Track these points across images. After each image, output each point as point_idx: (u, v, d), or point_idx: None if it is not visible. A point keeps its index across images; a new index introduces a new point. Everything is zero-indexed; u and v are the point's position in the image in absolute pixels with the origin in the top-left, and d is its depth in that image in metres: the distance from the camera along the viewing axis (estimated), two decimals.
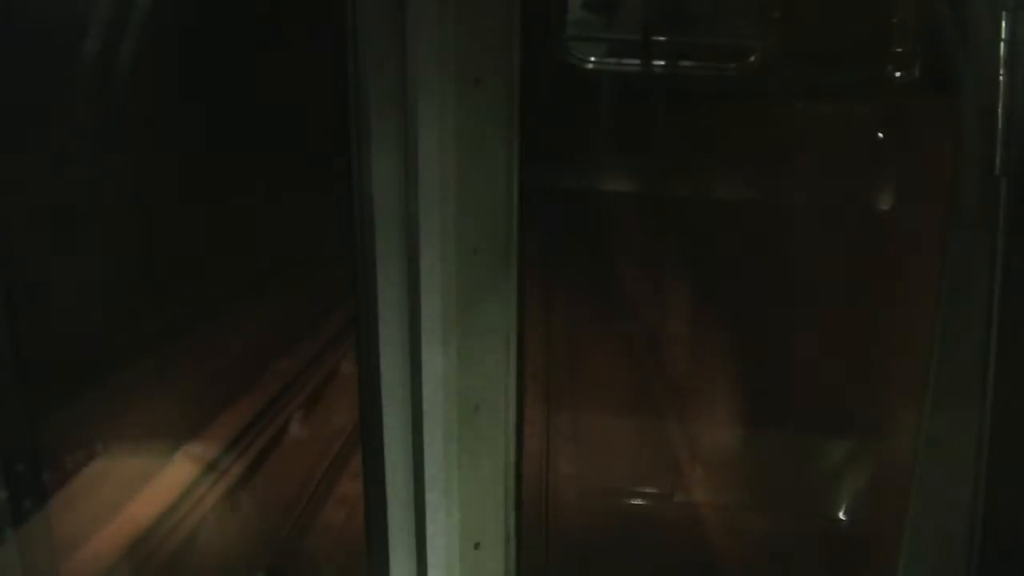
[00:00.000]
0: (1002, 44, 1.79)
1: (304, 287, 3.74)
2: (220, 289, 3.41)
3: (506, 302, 1.69)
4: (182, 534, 2.81)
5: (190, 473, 2.96)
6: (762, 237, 4.02)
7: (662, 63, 5.75)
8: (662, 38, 5.76)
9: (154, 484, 2.87)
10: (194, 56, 3.26)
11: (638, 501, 3.47)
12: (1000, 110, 1.79)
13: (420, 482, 1.70)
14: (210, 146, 3.35)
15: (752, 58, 5.20)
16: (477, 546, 1.75)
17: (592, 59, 6.13)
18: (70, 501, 2.59)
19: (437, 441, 1.68)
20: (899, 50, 3.32)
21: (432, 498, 1.71)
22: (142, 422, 2.86)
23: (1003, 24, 1.79)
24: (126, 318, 2.84)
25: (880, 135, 3.49)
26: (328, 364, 3.75)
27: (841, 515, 3.20)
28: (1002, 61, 1.79)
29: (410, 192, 1.60)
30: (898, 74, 3.39)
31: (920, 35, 3.15)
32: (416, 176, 1.59)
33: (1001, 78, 1.79)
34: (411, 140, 1.58)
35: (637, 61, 6.01)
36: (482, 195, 1.63)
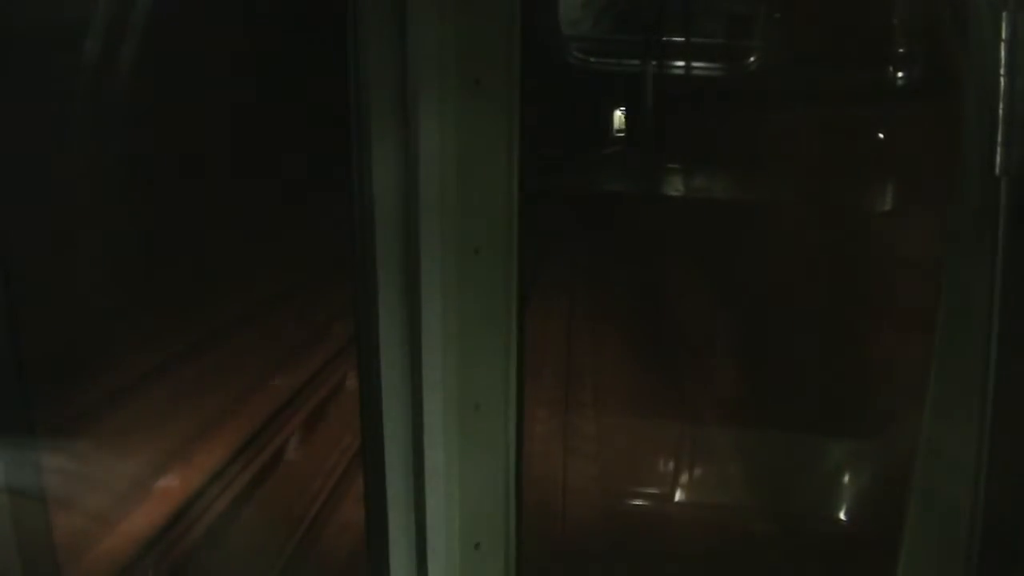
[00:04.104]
0: (1002, 44, 1.79)
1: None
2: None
3: (506, 302, 1.69)
4: None
5: None
6: (760, 237, 4.02)
7: (662, 63, 5.76)
8: (662, 39, 5.77)
9: None
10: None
11: (638, 502, 3.47)
12: (1000, 110, 1.79)
13: (420, 482, 1.70)
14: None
15: (752, 59, 5.20)
16: (477, 546, 1.75)
17: (592, 59, 6.14)
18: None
19: (437, 441, 1.68)
20: (900, 51, 3.33)
21: (432, 498, 1.70)
22: None
23: (1003, 24, 1.79)
24: None
25: (880, 135, 3.49)
26: None
27: (842, 516, 3.20)
28: (1002, 61, 1.79)
29: (410, 192, 1.60)
30: (899, 74, 3.39)
31: (920, 35, 3.15)
32: (416, 176, 1.59)
33: (1001, 78, 1.79)
34: (411, 140, 1.58)
35: (637, 61, 6.03)
36: (482, 195, 1.63)
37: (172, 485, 3.02)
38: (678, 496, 3.38)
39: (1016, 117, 1.79)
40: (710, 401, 3.74)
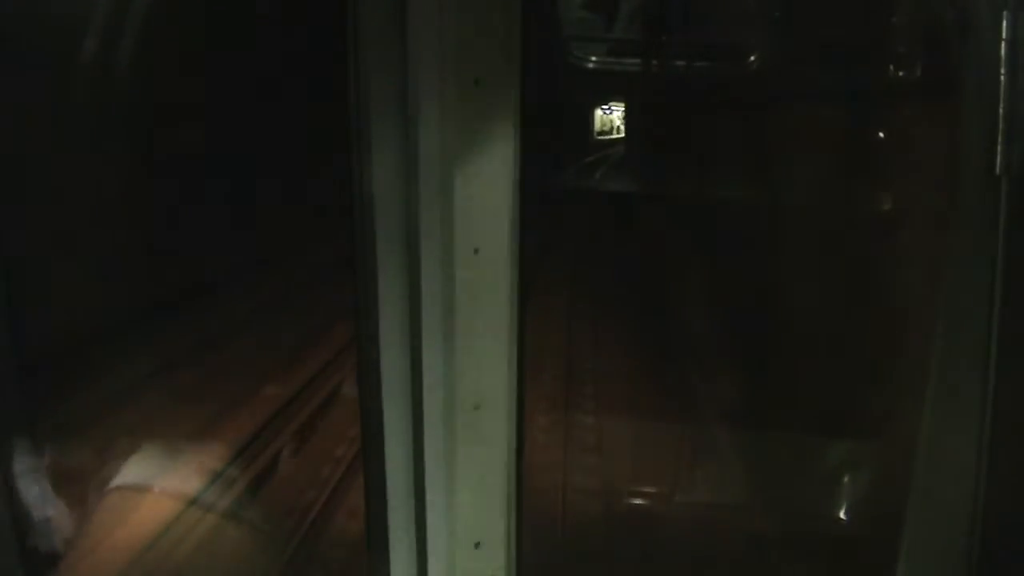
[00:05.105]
0: (1002, 44, 1.79)
1: None
2: None
3: (506, 302, 1.69)
4: None
5: None
6: (761, 237, 4.01)
7: (662, 63, 5.76)
8: (662, 39, 5.77)
9: None
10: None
11: (637, 501, 3.47)
12: (1000, 110, 1.79)
13: (420, 482, 1.70)
14: None
15: (752, 59, 5.20)
16: (477, 546, 1.75)
17: (592, 59, 6.14)
18: None
19: (437, 441, 1.68)
20: (900, 50, 3.32)
21: (432, 498, 1.71)
22: None
23: (1003, 24, 1.79)
24: None
25: (880, 135, 3.49)
26: None
27: (841, 515, 3.20)
28: (1002, 61, 1.79)
29: (410, 192, 1.60)
30: (899, 74, 3.39)
31: (920, 35, 3.15)
32: (416, 176, 1.59)
33: (1001, 78, 1.79)
34: (411, 140, 1.58)
35: (637, 61, 6.02)
36: (482, 195, 1.63)
37: None
38: (676, 497, 3.39)
39: (1016, 117, 1.79)
40: (704, 403, 3.74)
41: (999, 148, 1.80)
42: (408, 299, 1.64)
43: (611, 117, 6.72)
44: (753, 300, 3.83)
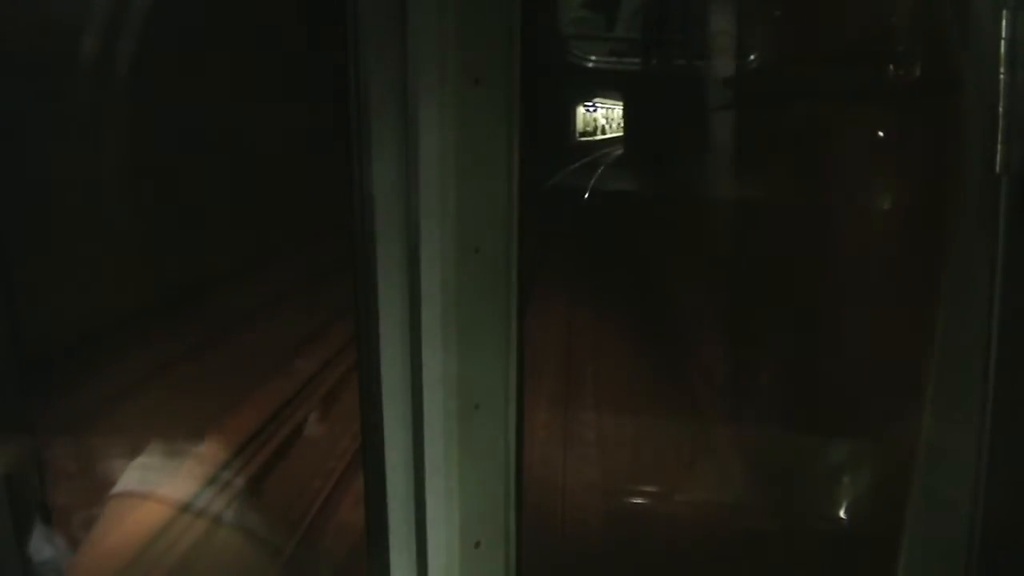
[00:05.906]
0: (1002, 44, 1.79)
1: None
2: None
3: (506, 302, 1.69)
4: None
5: None
6: (761, 236, 4.01)
7: (661, 63, 5.77)
8: (662, 38, 5.77)
9: None
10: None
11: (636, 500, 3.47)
12: (1000, 110, 1.79)
13: (420, 482, 1.70)
14: None
15: (752, 58, 5.20)
16: (477, 545, 1.75)
17: (592, 59, 6.15)
18: None
19: (437, 441, 1.68)
20: (900, 50, 3.32)
21: (432, 497, 1.71)
22: None
23: (1003, 24, 1.79)
24: None
25: (880, 134, 3.49)
26: None
27: (841, 515, 3.20)
28: (1002, 61, 1.79)
29: (410, 192, 1.60)
30: (899, 74, 3.39)
31: (920, 35, 3.15)
32: (416, 176, 1.59)
33: (1001, 78, 1.79)
34: (411, 140, 1.58)
35: (637, 60, 6.03)
36: (482, 195, 1.63)
37: None
38: (676, 496, 3.39)
39: (1016, 117, 1.79)
40: (701, 403, 3.75)
41: (999, 148, 1.80)
42: (408, 299, 1.64)
43: (611, 116, 6.72)
44: (752, 299, 3.83)
